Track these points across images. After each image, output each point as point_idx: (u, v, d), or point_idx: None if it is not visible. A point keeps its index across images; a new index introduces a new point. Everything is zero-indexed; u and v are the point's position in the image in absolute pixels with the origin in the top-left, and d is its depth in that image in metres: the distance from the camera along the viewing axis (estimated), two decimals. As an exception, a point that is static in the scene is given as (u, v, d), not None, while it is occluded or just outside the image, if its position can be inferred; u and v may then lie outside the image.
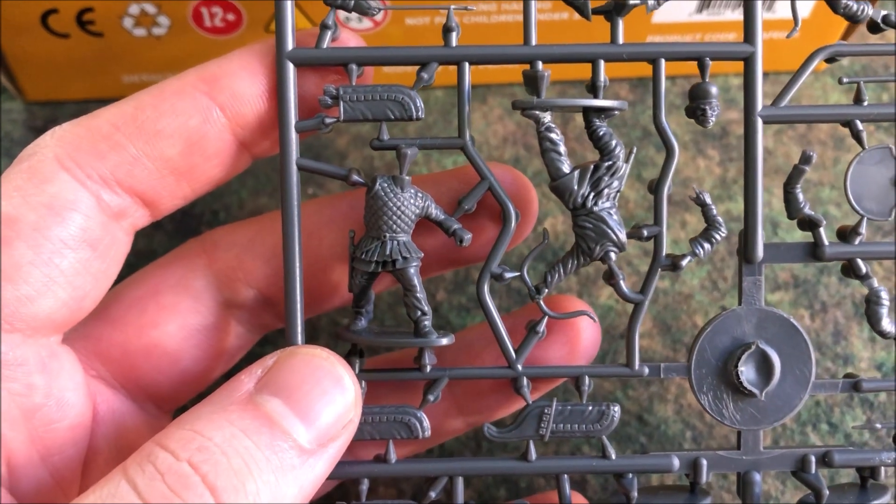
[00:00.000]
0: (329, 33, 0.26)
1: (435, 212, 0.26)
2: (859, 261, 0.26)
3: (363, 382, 0.26)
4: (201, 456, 0.21)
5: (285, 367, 0.23)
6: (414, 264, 0.25)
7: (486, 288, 0.26)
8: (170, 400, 0.28)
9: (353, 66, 0.25)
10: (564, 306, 0.27)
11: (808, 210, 0.26)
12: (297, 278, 0.25)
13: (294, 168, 0.26)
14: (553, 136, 0.25)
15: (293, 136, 0.25)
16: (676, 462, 0.27)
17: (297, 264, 0.25)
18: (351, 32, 0.27)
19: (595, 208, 0.25)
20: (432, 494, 0.26)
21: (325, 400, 0.23)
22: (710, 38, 0.36)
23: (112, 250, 0.25)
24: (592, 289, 0.35)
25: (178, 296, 0.27)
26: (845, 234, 0.27)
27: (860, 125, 0.26)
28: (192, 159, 0.25)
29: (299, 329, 0.26)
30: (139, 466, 0.21)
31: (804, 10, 0.34)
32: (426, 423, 0.26)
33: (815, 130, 0.37)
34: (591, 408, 0.26)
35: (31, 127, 0.37)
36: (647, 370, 0.26)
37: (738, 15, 0.35)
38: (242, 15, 0.34)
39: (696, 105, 0.26)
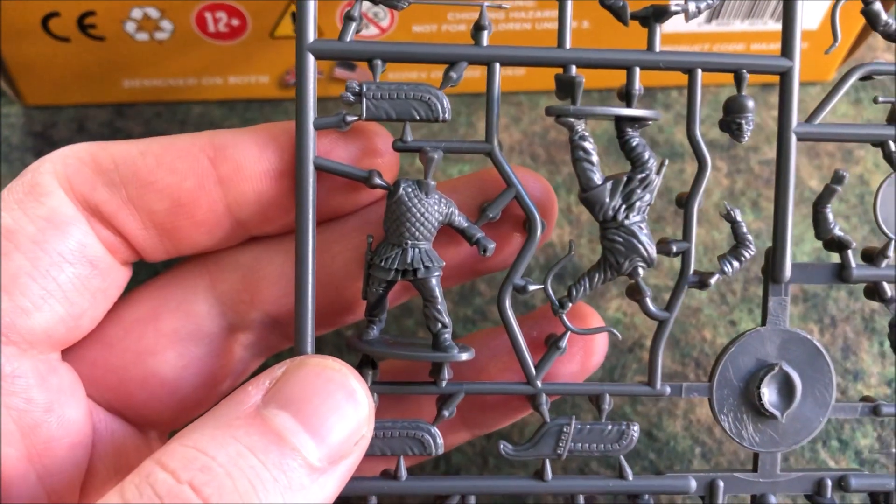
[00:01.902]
0: (353, 25, 0.24)
1: (458, 219, 0.24)
2: (885, 284, 0.26)
3: (375, 395, 0.25)
4: (204, 477, 0.19)
5: (295, 378, 0.22)
6: (436, 274, 0.24)
7: (507, 301, 0.25)
8: (168, 425, 0.26)
9: (378, 63, 0.24)
10: (582, 316, 0.26)
11: (837, 231, 0.26)
12: (310, 282, 0.24)
13: (311, 167, 0.24)
14: (587, 144, 0.24)
15: (311, 133, 0.24)
16: (694, 484, 0.26)
17: (310, 267, 0.24)
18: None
19: (626, 222, 0.24)
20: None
21: (337, 415, 0.22)
22: (718, 50, 0.35)
23: (112, 272, 0.24)
24: (600, 301, 0.34)
25: (178, 321, 0.26)
26: (872, 256, 0.26)
27: (893, 146, 0.25)
28: (178, 220, 0.24)
29: (310, 338, 0.24)
30: (137, 489, 0.19)
31: (813, 22, 0.34)
32: (440, 439, 0.25)
33: (823, 143, 0.37)
34: (610, 427, 0.25)
35: (30, 132, 0.35)
36: (668, 390, 0.26)
37: (746, 26, 0.34)
38: (247, 20, 0.32)
39: (731, 119, 0.25)
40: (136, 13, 0.31)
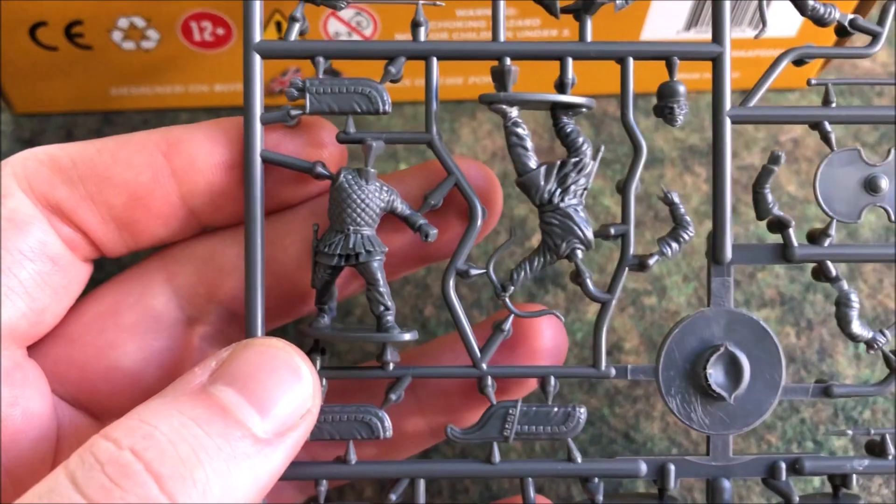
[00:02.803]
0: (297, 25, 0.26)
1: (400, 206, 0.25)
2: (829, 263, 0.26)
3: (324, 380, 0.26)
4: (145, 443, 0.20)
5: (240, 357, 0.23)
6: (377, 258, 0.25)
7: (451, 284, 0.26)
8: None
9: (321, 59, 0.25)
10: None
11: (776, 210, 0.26)
12: (259, 268, 0.25)
13: (258, 160, 0.25)
14: (520, 130, 0.25)
15: (258, 128, 0.25)
16: (644, 467, 0.26)
17: (259, 253, 0.25)
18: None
19: (562, 204, 0.25)
20: (393, 497, 0.26)
21: (281, 389, 0.22)
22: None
23: (73, 268, 0.26)
24: (580, 305, 0.35)
25: (137, 315, 0.27)
26: (815, 237, 0.26)
27: (829, 126, 0.26)
28: (135, 214, 0.25)
29: (260, 323, 0.25)
30: (80, 458, 0.20)
31: (791, 28, 0.34)
32: (387, 422, 0.25)
33: (802, 148, 0.37)
34: (556, 409, 0.26)
35: (19, 139, 0.37)
36: (613, 371, 0.26)
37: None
38: (232, 29, 0.34)
39: (663, 104, 0.26)
40: (123, 22, 0.33)
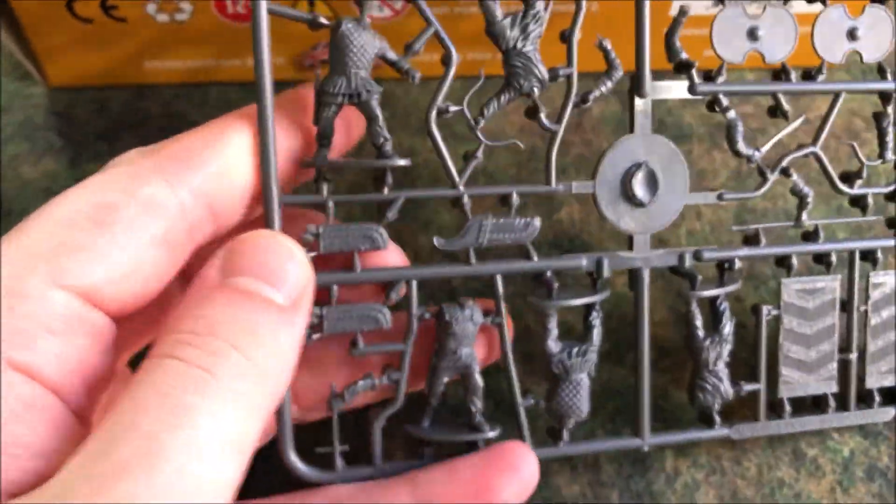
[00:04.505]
0: None
1: (389, 53, 0.30)
2: (721, 96, 0.33)
3: (332, 203, 0.30)
4: (211, 328, 0.24)
5: (240, 250, 0.26)
6: (375, 96, 0.30)
7: (433, 119, 0.31)
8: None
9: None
10: None
11: (683, 55, 0.33)
12: (269, 117, 0.29)
13: (264, 12, 0.29)
14: (491, -12, 0.30)
15: (264, -15, 0.29)
16: (585, 261, 0.33)
17: (269, 103, 0.29)
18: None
19: (524, 50, 0.31)
20: (393, 296, 0.31)
21: (285, 265, 0.26)
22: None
23: (181, 259, 0.27)
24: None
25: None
26: (710, 77, 0.33)
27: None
28: (221, 189, 0.28)
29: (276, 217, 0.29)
30: (171, 344, 0.23)
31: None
32: (386, 235, 0.31)
33: (866, 133, 0.40)
34: (519, 220, 0.32)
35: (53, 112, 0.36)
36: (562, 188, 0.32)
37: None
38: None
39: None
40: None
